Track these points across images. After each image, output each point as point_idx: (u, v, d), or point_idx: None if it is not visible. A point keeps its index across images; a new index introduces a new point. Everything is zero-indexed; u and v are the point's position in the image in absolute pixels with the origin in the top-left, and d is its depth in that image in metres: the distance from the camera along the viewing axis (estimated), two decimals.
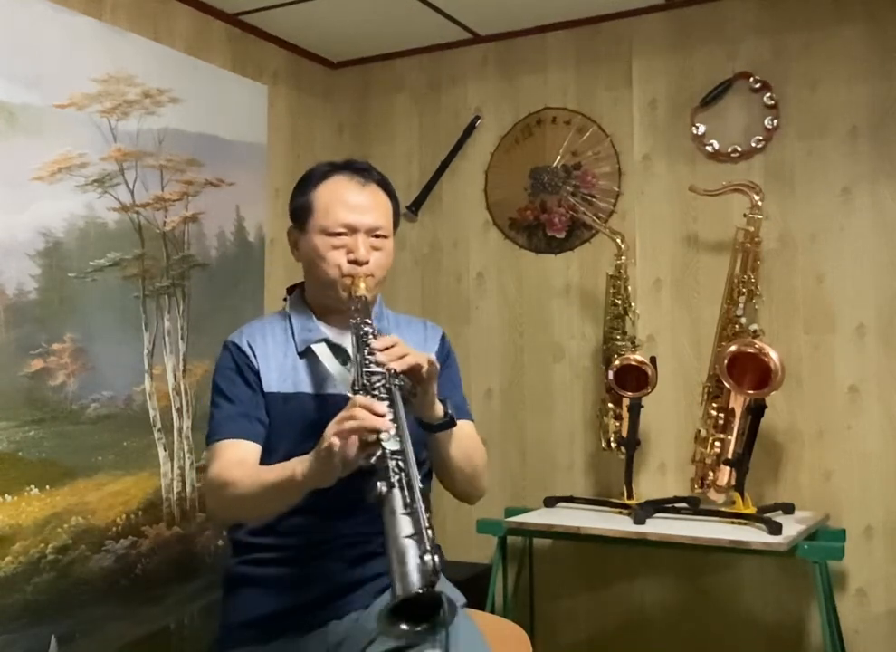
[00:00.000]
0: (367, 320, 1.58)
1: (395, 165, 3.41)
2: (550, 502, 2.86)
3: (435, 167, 3.33)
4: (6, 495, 2.23)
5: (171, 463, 2.68)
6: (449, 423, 1.59)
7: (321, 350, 1.70)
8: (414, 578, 1.14)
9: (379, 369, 1.45)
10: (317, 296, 1.76)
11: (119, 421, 2.53)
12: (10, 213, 2.27)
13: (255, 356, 1.70)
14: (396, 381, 1.45)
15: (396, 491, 1.25)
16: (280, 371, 1.70)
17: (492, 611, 2.65)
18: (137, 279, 2.61)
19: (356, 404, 1.36)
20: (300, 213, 1.74)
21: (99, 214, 2.50)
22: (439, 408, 1.57)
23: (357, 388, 1.43)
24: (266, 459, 1.65)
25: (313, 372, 1.70)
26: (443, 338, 1.85)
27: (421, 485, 1.27)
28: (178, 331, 2.72)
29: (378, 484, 1.26)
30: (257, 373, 1.69)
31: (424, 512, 1.22)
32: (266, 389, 1.68)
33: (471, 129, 3.29)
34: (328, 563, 1.63)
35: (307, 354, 1.71)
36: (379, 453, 1.31)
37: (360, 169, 1.75)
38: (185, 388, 2.73)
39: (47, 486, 2.32)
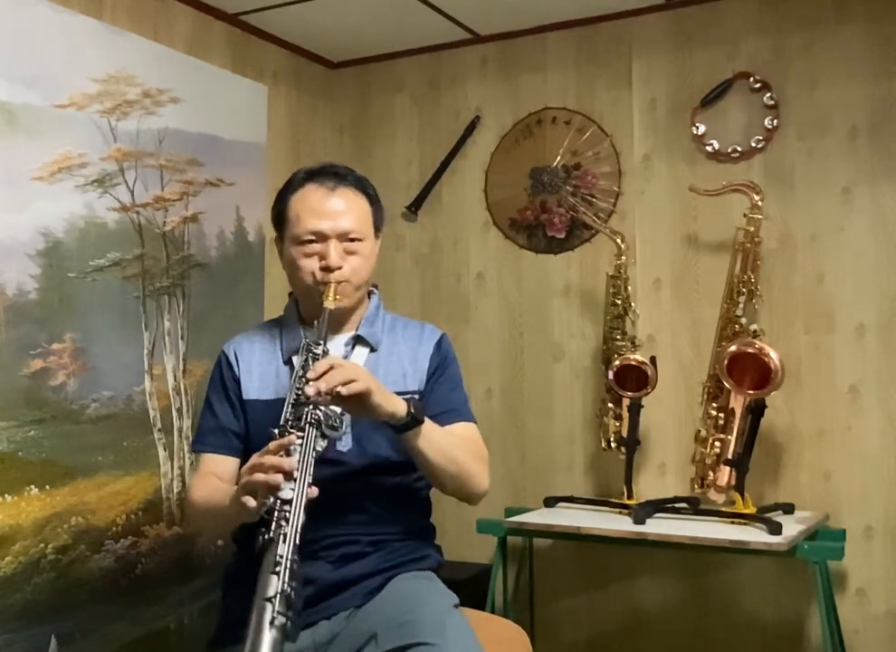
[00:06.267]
0: (320, 340, 1.60)
1: (395, 165, 3.41)
2: (550, 502, 2.85)
3: (435, 167, 3.33)
4: (6, 495, 2.23)
5: (171, 463, 2.68)
6: (411, 423, 1.58)
7: (298, 362, 1.72)
8: (261, 644, 1.14)
9: (305, 398, 1.47)
10: (303, 304, 1.80)
11: (119, 421, 2.53)
12: (10, 213, 2.27)
13: (238, 364, 1.77)
14: (317, 414, 1.45)
15: (274, 545, 1.26)
16: (262, 379, 1.75)
17: (492, 611, 2.65)
18: (137, 279, 2.61)
19: (267, 451, 1.41)
20: (278, 222, 1.79)
21: (99, 214, 2.49)
22: (399, 410, 1.56)
23: (281, 423, 1.47)
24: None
25: None
26: (439, 341, 1.84)
27: (297, 542, 1.27)
28: (178, 331, 2.72)
29: (260, 536, 1.28)
30: (238, 381, 1.76)
31: (289, 572, 1.22)
32: (245, 397, 1.75)
33: (471, 129, 3.29)
34: (316, 564, 1.64)
35: (291, 361, 1.73)
36: (270, 501, 1.34)
37: (333, 174, 1.75)
38: (185, 388, 2.73)
39: (47, 486, 2.32)
